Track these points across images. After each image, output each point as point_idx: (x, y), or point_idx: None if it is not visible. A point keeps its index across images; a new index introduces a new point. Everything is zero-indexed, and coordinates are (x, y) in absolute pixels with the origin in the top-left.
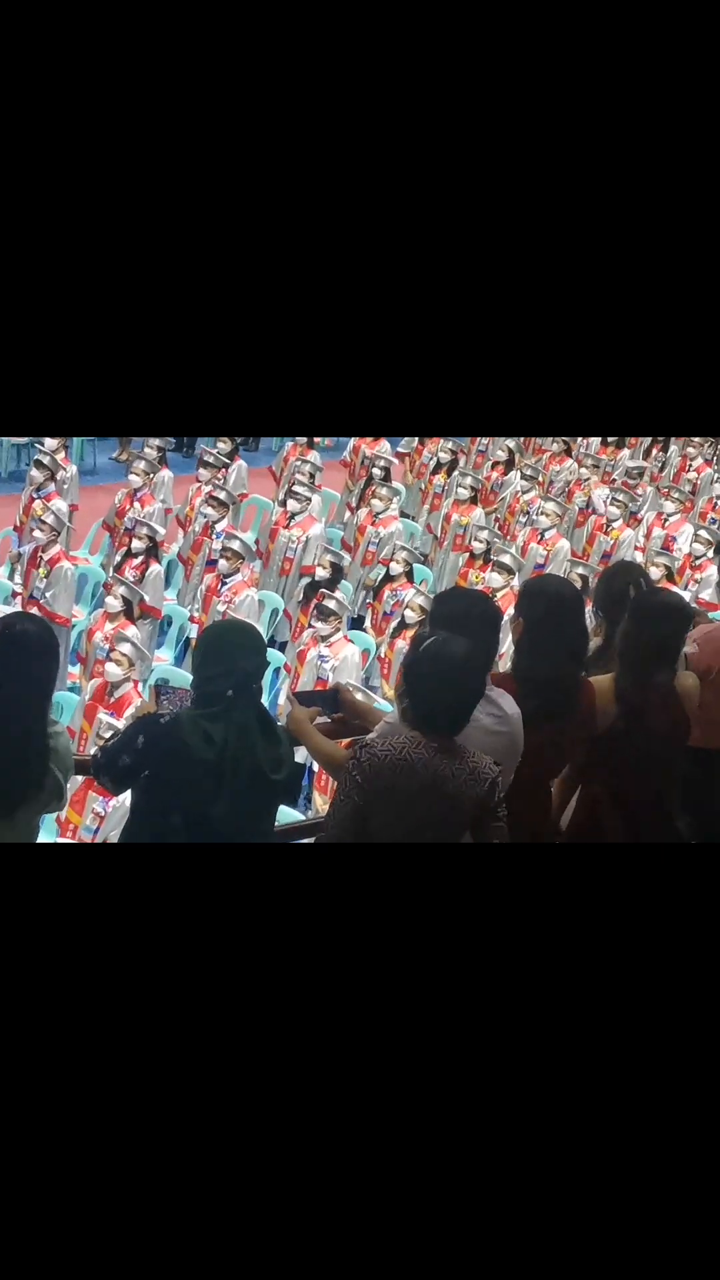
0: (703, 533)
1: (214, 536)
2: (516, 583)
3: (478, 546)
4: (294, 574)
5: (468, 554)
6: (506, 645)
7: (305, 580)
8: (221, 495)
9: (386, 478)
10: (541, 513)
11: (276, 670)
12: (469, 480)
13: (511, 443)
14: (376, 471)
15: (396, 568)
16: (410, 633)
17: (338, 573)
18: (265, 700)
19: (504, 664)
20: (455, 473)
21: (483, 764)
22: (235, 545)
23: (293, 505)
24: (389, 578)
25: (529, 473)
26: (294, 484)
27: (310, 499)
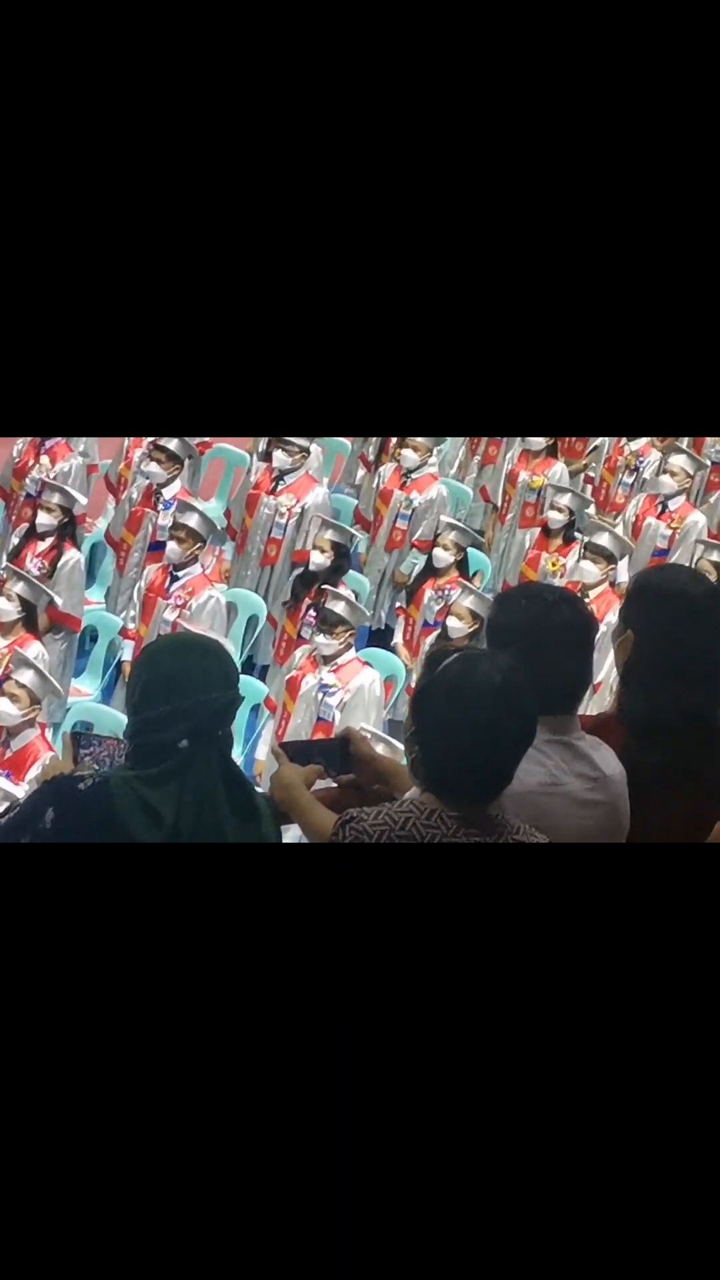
0: None
1: (161, 507)
2: (622, 576)
3: (555, 519)
4: (282, 563)
5: (539, 530)
6: (606, 672)
7: (298, 572)
8: (172, 444)
9: None
10: (663, 470)
11: (255, 708)
12: None
13: None
14: None
15: (443, 555)
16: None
17: (346, 560)
18: (238, 755)
19: (598, 701)
20: None
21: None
22: (192, 521)
23: (280, 459)
24: (430, 570)
25: None
26: None
27: (307, 450)
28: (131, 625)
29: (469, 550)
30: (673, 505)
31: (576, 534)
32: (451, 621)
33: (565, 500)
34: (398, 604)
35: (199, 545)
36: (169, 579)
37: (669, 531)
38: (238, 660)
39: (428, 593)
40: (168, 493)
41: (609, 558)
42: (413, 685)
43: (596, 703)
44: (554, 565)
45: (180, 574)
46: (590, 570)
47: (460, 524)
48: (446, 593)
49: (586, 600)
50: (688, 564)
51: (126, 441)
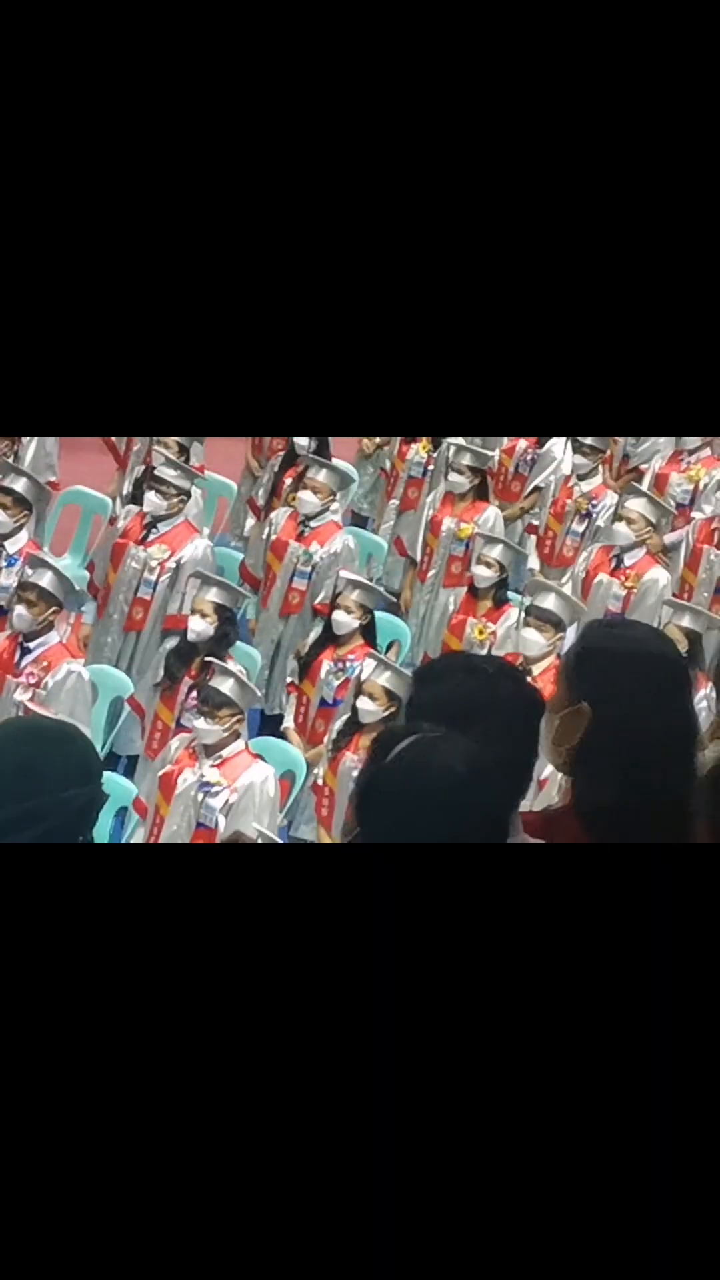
0: None
1: (4, 564)
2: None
3: (483, 576)
4: (151, 628)
5: (466, 589)
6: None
7: (173, 644)
8: (19, 485)
9: (323, 451)
10: (618, 515)
11: (120, 812)
12: (467, 458)
13: None
14: (305, 441)
15: (344, 619)
16: (368, 739)
17: (234, 627)
18: None
19: (544, 795)
20: (446, 443)
21: None
22: (44, 580)
23: (153, 503)
24: (330, 637)
25: (589, 441)
26: (152, 464)
27: (187, 493)
28: None
29: (376, 614)
30: (629, 559)
31: (511, 594)
32: (362, 703)
33: (495, 553)
34: (289, 678)
35: (53, 610)
36: (19, 651)
37: (623, 591)
38: (101, 751)
39: (325, 664)
40: (11, 545)
41: (556, 624)
42: (318, 782)
43: (543, 801)
44: (481, 633)
45: (32, 645)
46: (534, 640)
47: (364, 580)
48: (349, 664)
49: (530, 677)
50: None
51: None
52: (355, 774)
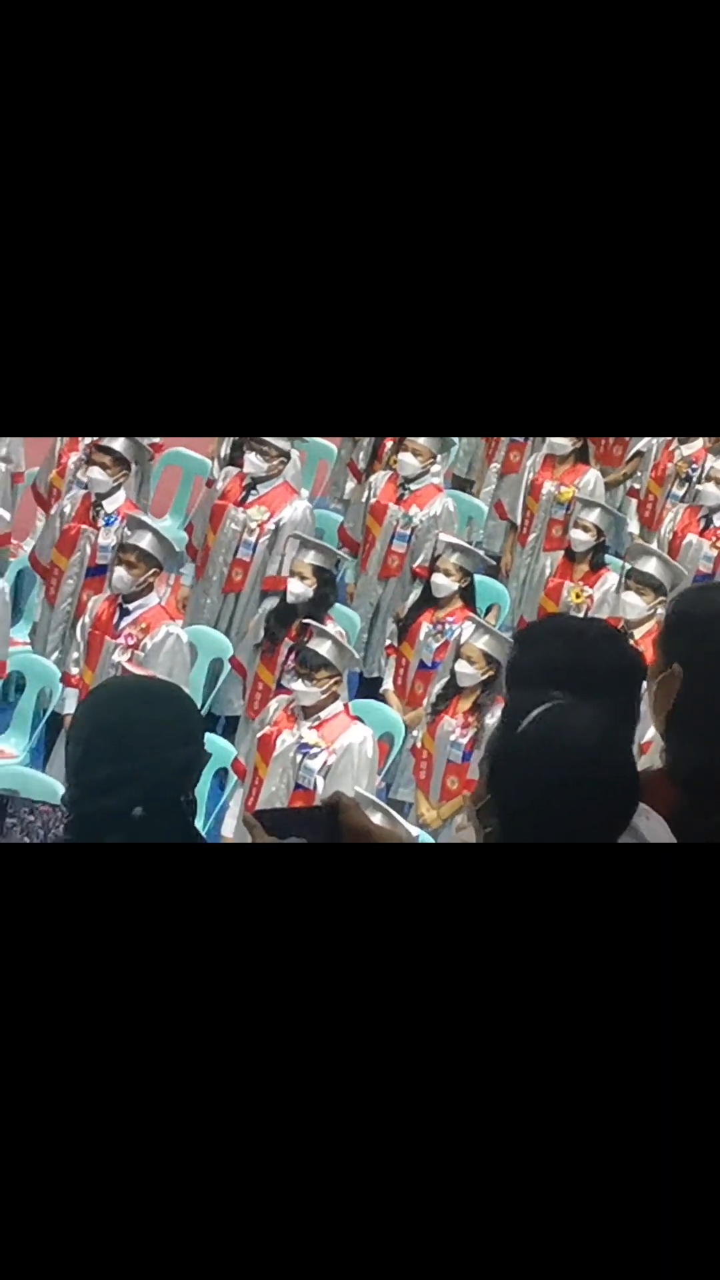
0: None
1: (102, 523)
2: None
3: (580, 540)
4: (250, 589)
5: (563, 552)
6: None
7: (270, 603)
8: (117, 445)
9: None
10: (707, 476)
11: (220, 772)
12: None
13: None
14: None
15: (443, 581)
16: (466, 703)
17: (332, 589)
18: (201, 826)
19: (646, 759)
20: None
21: None
22: (144, 542)
23: (253, 464)
24: (428, 599)
25: None
26: None
27: (286, 454)
28: (75, 670)
29: (475, 577)
30: (719, 519)
31: (608, 558)
32: (461, 666)
33: (593, 517)
34: (387, 640)
35: (153, 572)
36: (118, 613)
37: (715, 552)
38: (201, 711)
39: (424, 627)
40: (110, 505)
41: (657, 589)
42: (416, 745)
43: (644, 765)
44: (578, 596)
45: (131, 606)
46: (635, 604)
47: (464, 543)
48: (447, 627)
49: (631, 640)
50: None
51: (59, 443)
52: (486, 742)
